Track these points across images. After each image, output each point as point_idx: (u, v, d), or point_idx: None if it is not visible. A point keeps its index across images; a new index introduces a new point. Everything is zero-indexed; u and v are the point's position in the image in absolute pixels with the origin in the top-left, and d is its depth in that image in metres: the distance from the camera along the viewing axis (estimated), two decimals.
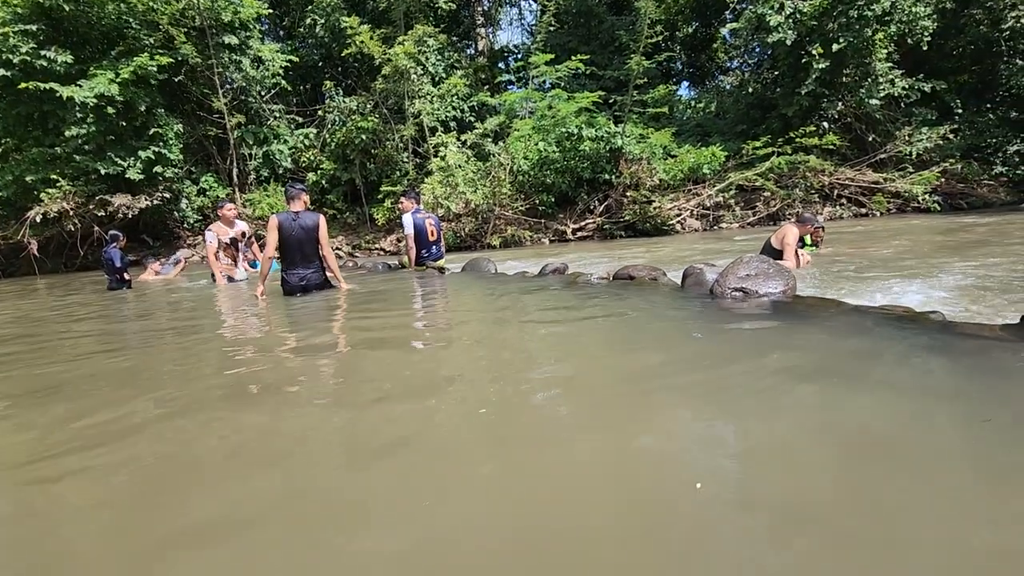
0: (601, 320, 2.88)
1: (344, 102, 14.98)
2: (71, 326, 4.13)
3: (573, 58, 13.30)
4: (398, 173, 14.18)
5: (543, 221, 12.65)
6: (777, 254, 5.03)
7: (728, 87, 20.15)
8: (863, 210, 12.56)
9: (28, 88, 11.34)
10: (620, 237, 12.16)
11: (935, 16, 12.67)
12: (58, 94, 11.46)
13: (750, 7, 13.54)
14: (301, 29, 16.64)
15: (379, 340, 2.76)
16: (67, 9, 11.81)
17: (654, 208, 12.05)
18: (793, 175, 12.64)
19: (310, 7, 15.65)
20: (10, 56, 11.44)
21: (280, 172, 15.35)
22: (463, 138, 13.98)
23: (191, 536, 1.03)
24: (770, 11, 12.55)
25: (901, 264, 4.92)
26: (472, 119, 15.20)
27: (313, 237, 4.75)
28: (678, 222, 12.30)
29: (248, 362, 2.38)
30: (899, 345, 2.02)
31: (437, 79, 15.02)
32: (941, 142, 13.15)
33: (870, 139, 13.65)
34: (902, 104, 13.85)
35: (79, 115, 11.82)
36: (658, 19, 13.58)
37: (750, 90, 16.15)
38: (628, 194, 12.39)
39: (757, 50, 16.68)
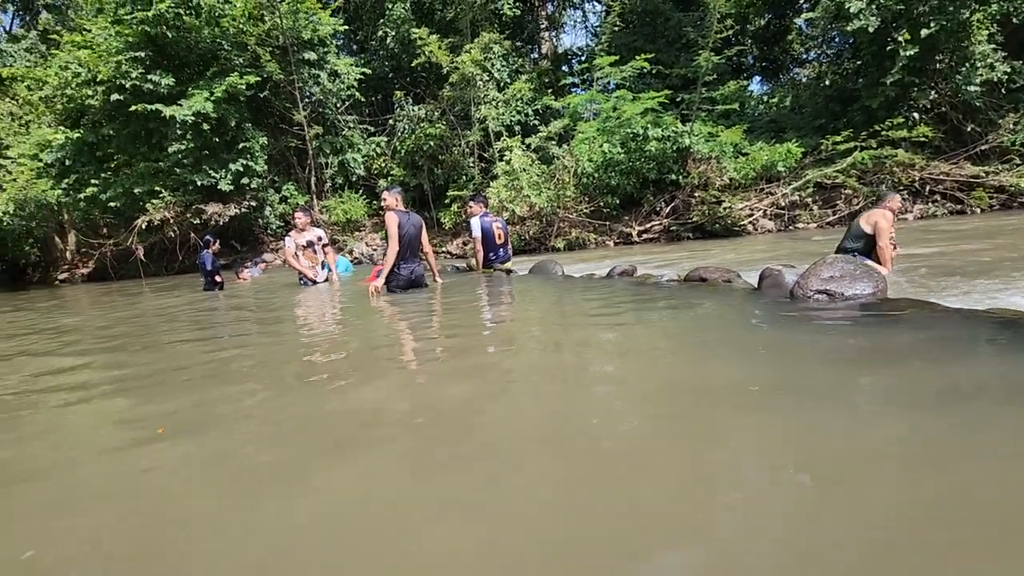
0: (674, 324, 2.86)
1: (413, 110, 15.55)
2: (172, 323, 4.58)
3: (638, 57, 13.13)
4: (464, 178, 14.54)
5: (608, 223, 12.56)
6: (867, 239, 4.60)
7: (804, 80, 19.13)
8: (960, 207, 11.57)
9: (137, 109, 12.58)
10: (687, 239, 11.86)
11: None
12: (162, 113, 12.64)
13: None
14: (373, 42, 17.42)
15: (449, 342, 2.89)
16: (170, 36, 13.01)
17: (724, 208, 11.66)
18: (878, 171, 11.84)
19: (382, 20, 16.36)
20: (123, 81, 12.74)
21: (353, 179, 16.14)
22: (527, 142, 14.14)
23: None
24: None
25: (1002, 264, 4.52)
26: (536, 123, 15.34)
27: (420, 234, 5.13)
28: (750, 223, 11.84)
29: (332, 352, 2.58)
30: (1013, 351, 1.90)
31: (502, 84, 15.27)
32: None
33: (968, 129, 12.54)
34: (1004, 90, 12.62)
35: (179, 132, 12.97)
36: (728, 13, 13.14)
37: (828, 82, 15.28)
38: (696, 194, 12.06)
39: (836, 40, 15.76)
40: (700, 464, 1.19)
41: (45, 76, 14.96)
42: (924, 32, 11.20)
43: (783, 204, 12.09)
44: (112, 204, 13.95)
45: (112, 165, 14.30)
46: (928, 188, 11.84)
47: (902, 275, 4.46)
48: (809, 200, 12.11)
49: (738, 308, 3.14)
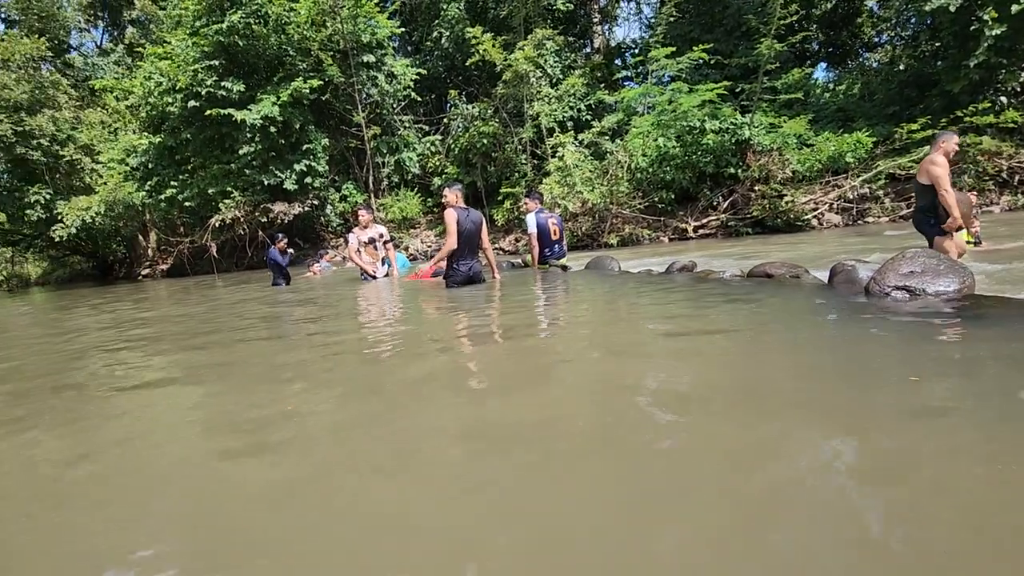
0: (741, 321, 2.80)
1: (467, 109, 15.78)
2: (248, 317, 4.89)
3: (695, 48, 12.80)
4: (517, 175, 14.65)
5: (662, 219, 12.34)
6: (927, 192, 4.37)
7: (876, 65, 18.08)
8: None
9: (212, 114, 13.41)
10: (746, 234, 11.48)
11: None
12: (233, 118, 13.42)
13: None
14: (428, 43, 17.79)
15: (507, 338, 2.96)
16: (241, 44, 13.78)
17: (786, 202, 11.22)
18: (960, 160, 11.04)
19: (437, 21, 16.68)
20: (199, 88, 13.62)
21: (408, 178, 16.58)
22: (580, 137, 14.08)
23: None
24: None
25: None
26: (589, 118, 15.24)
27: (478, 231, 5.21)
28: (814, 217, 11.33)
29: (395, 350, 2.71)
30: None
31: (555, 80, 15.26)
32: None
33: None
34: None
35: (249, 135, 13.74)
36: None
37: (903, 66, 14.37)
38: (756, 188, 11.66)
39: (912, 21, 14.79)
40: (767, 483, 1.08)
41: (131, 86, 16.19)
42: (1015, 8, 10.34)
43: (851, 197, 11.51)
44: (188, 204, 14.96)
45: (189, 168, 15.33)
46: (1017, 178, 10.95)
47: (989, 269, 4.18)
48: (880, 193, 11.47)
49: (808, 305, 3.06)
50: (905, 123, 11.69)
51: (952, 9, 11.00)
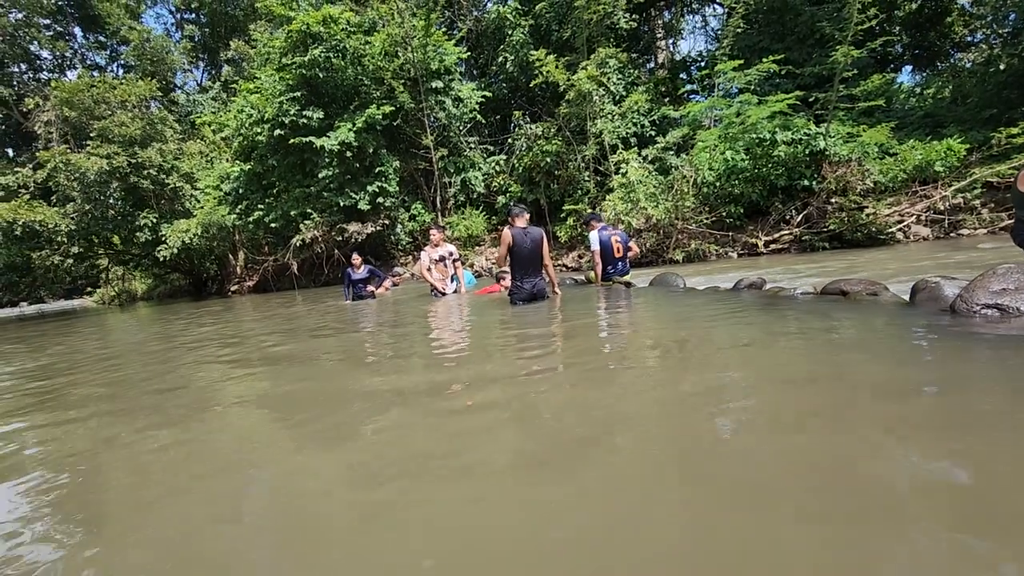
0: (810, 343, 2.72)
1: (530, 128, 16.10)
2: (326, 329, 5.25)
3: (766, 59, 12.46)
4: (580, 192, 14.74)
5: (730, 234, 11.98)
6: None
7: (969, 65, 16.76)
8: None
9: (294, 142, 14.48)
10: (823, 249, 10.92)
11: None
12: (314, 144, 14.42)
13: None
14: (493, 67, 18.36)
15: (570, 357, 3.04)
16: (321, 76, 14.83)
17: (867, 215, 10.59)
18: None
19: (502, 46, 17.20)
20: (283, 118, 14.76)
21: (474, 197, 17.07)
22: (644, 153, 13.99)
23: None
24: None
25: None
26: (653, 133, 15.12)
27: (539, 249, 5.35)
28: (900, 230, 10.62)
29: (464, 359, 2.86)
30: None
31: (618, 97, 15.29)
32: None
33: None
34: None
35: (327, 160, 14.69)
36: (872, 1, 11.95)
37: (1002, 66, 13.24)
38: (833, 200, 11.10)
39: (1012, 18, 13.65)
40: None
41: (226, 120, 17.78)
42: None
43: (942, 208, 10.70)
44: (273, 225, 16.13)
45: (274, 192, 16.56)
46: None
47: None
48: (977, 203, 10.58)
49: (885, 326, 2.93)
50: (1004, 127, 10.77)
51: None
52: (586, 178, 14.67)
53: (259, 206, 16.31)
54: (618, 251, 6.84)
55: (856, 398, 1.75)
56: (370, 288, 8.59)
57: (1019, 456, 1.23)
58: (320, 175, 14.86)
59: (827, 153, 11.21)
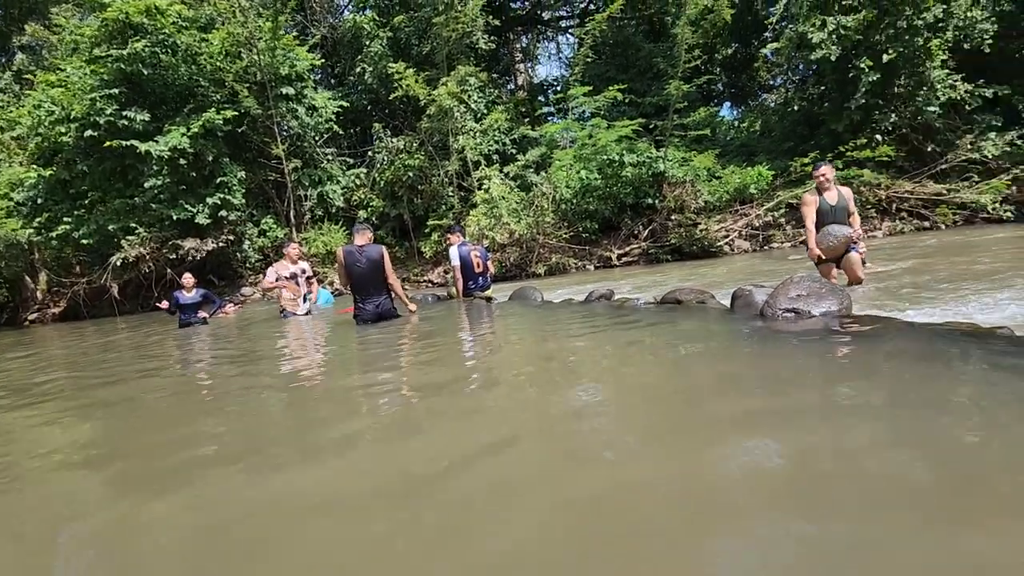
0: (649, 346, 2.88)
1: (392, 142, 15.68)
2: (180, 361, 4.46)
3: (611, 88, 13.50)
4: (444, 207, 14.64)
5: (587, 248, 12.69)
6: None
7: (772, 105, 19.80)
8: (926, 223, 11.94)
9: (112, 146, 12.50)
10: (667, 261, 12.01)
11: (993, 19, 12.15)
12: (138, 149, 12.58)
13: (790, 26, 13.38)
14: (351, 77, 17.65)
15: (428, 379, 2.86)
16: (146, 73, 13.04)
17: (700, 231, 11.88)
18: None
19: (359, 56, 16.62)
20: (97, 118, 12.69)
21: (333, 211, 16.13)
22: (506, 170, 14.32)
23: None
24: (811, 28, 12.35)
25: (962, 278, 4.65)
26: (514, 151, 15.57)
27: (379, 268, 5.04)
28: (726, 243, 12.06)
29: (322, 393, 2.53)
30: (962, 363, 1.94)
31: (479, 115, 15.52)
32: (1009, 148, 12.39)
33: (928, 149, 13.04)
34: (963, 111, 13.18)
35: (156, 167, 12.90)
36: (696, 43, 13.60)
37: (796, 107, 15.82)
38: (673, 217, 12.29)
39: (800, 67, 16.39)
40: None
41: (18, 116, 14.86)
42: (886, 57, 11.72)
43: (757, 224, 12.37)
44: (85, 242, 13.72)
45: (86, 202, 14.12)
46: (895, 206, 12.21)
47: (860, 291, 4.56)
48: (783, 220, 12.41)
49: (710, 329, 3.18)
50: (798, 157, 12.81)
51: (833, 58, 12.26)
52: (450, 193, 14.63)
53: (66, 219, 13.76)
54: (478, 266, 6.81)
55: (694, 395, 1.79)
56: (202, 314, 7.55)
57: (815, 429, 1.29)
58: (146, 184, 12.98)
59: (666, 175, 12.40)
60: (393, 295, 5.23)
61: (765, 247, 12.15)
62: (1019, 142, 12.61)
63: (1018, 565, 0.83)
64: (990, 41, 12.05)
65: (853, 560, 0.88)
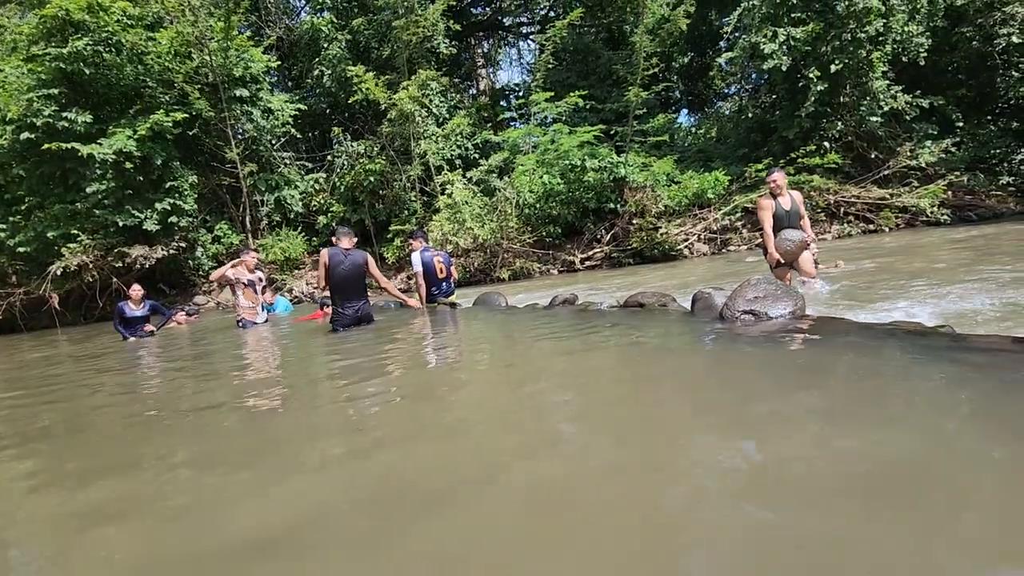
0: (612, 349, 2.88)
1: (352, 146, 15.41)
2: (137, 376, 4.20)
3: (572, 94, 13.66)
4: (406, 212, 14.46)
5: (551, 252, 12.76)
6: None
7: (727, 112, 20.46)
8: (872, 226, 12.52)
9: (51, 148, 11.82)
10: (629, 264, 12.19)
11: (928, 34, 12.89)
12: (79, 153, 11.94)
13: (743, 37, 13.85)
14: (309, 79, 17.27)
15: (392, 380, 2.78)
16: (88, 73, 12.41)
17: (661, 234, 12.12)
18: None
19: (317, 59, 16.28)
20: (34, 120, 11.99)
21: (291, 216, 15.71)
22: (468, 175, 14.26)
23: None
24: (763, 39, 12.82)
25: (908, 279, 4.88)
26: (477, 156, 15.54)
27: (362, 272, 5.08)
28: (686, 247, 12.33)
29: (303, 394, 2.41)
30: (908, 361, 2.01)
31: (441, 120, 15.43)
32: (944, 155, 13.15)
33: (872, 156, 13.70)
34: (903, 120, 13.93)
35: (99, 171, 12.27)
36: (654, 52, 13.92)
37: (749, 115, 16.38)
38: (634, 222, 12.49)
39: (753, 76, 17.00)
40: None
41: None
42: (833, 68, 12.26)
43: (715, 228, 12.70)
44: (22, 250, 12.92)
45: (23, 208, 13.30)
46: (843, 210, 12.76)
47: (820, 291, 4.73)
48: (739, 224, 12.78)
49: (670, 331, 3.21)
50: (752, 163, 13.25)
51: (784, 68, 12.75)
52: (412, 198, 14.46)
53: (1, 226, 12.94)
54: (441, 272, 6.71)
55: (656, 395, 1.79)
56: (148, 327, 7.16)
57: (765, 420, 1.30)
58: (89, 189, 12.32)
59: (627, 180, 12.60)
60: (390, 296, 5.30)
61: (723, 250, 12.49)
62: (953, 150, 13.40)
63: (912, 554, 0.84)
64: (925, 54, 12.76)
65: (799, 546, 0.91)
